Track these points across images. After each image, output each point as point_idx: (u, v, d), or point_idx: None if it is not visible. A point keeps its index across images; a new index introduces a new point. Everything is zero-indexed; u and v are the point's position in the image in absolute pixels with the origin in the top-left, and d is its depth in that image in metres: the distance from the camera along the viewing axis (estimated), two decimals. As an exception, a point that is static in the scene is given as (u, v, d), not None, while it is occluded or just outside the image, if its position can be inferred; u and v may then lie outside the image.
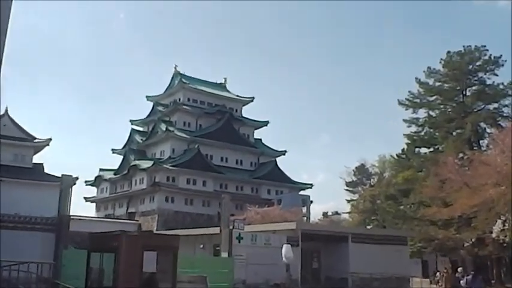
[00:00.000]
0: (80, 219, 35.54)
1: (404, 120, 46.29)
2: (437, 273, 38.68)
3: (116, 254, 11.16)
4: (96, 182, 65.35)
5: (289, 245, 22.53)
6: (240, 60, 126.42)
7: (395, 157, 51.10)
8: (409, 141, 46.96)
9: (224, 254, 21.70)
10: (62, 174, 20.07)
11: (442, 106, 45.37)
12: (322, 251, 29.33)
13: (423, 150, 47.38)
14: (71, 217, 22.76)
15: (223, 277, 20.04)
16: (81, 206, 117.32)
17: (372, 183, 66.03)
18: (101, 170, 65.58)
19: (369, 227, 56.62)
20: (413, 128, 46.58)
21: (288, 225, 27.22)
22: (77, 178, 40.44)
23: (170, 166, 56.06)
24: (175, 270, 11.89)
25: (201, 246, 29.30)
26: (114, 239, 11.44)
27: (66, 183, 18.48)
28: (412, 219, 42.37)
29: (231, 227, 22.66)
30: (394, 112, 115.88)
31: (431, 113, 45.78)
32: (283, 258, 22.32)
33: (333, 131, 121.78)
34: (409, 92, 45.95)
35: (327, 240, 29.12)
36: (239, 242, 22.39)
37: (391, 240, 31.02)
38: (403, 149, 48.59)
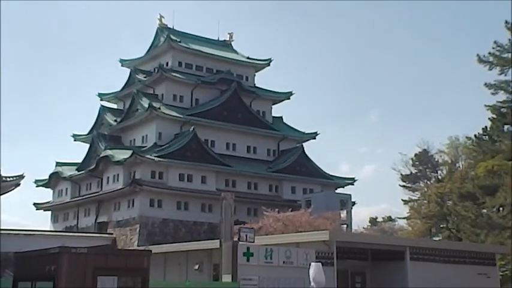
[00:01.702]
0: (16, 234, 35.17)
1: (487, 85, 45.15)
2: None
3: (54, 282, 10.44)
4: (52, 181, 65.46)
5: (320, 264, 21.82)
6: (251, 8, 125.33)
7: (474, 139, 50.15)
8: (495, 116, 45.93)
9: (226, 278, 21.07)
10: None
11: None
12: (368, 273, 28.81)
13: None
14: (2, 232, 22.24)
15: (226, 311, 19.45)
16: (33, 216, 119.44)
17: (440, 177, 65.29)
18: (58, 164, 65.55)
19: (436, 239, 56.07)
20: (501, 96, 45.56)
21: (318, 236, 26.78)
22: (21, 177, 40.50)
23: (155, 157, 55.82)
24: (146, 303, 11.16)
25: (196, 266, 29.00)
26: (50, 260, 10.74)
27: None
28: (501, 227, 41.71)
29: (235, 239, 21.95)
30: (471, 76, 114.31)
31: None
32: (311, 283, 21.66)
33: (384, 106, 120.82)
34: (495, 43, 44.75)
35: (375, 257, 28.62)
36: (247, 260, 21.68)
37: (470, 258, 30.58)
38: (485, 127, 47.67)
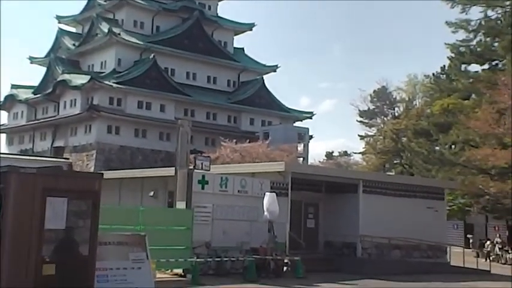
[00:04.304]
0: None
1: (448, 24, 44.90)
2: (488, 242, 39.13)
3: (1, 202, 10.21)
4: (7, 103, 64.28)
5: (274, 194, 22.10)
6: None
7: (432, 77, 50.54)
8: (454, 55, 46.16)
9: (181, 205, 21.12)
10: None
11: (508, 2, 43.91)
12: (321, 204, 29.14)
13: (474, 67, 46.80)
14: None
15: (178, 237, 19.66)
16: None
17: (397, 114, 66.06)
18: (13, 86, 64.32)
19: (390, 174, 57.02)
20: (461, 35, 45.52)
21: (273, 166, 26.75)
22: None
23: (114, 83, 54.95)
24: (96, 227, 11.09)
25: (151, 193, 28.94)
26: (-2, 179, 10.43)
27: None
28: (452, 164, 42.38)
29: (190, 167, 21.89)
30: (433, 14, 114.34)
31: (489, 12, 44.37)
32: (265, 213, 21.96)
33: (347, 42, 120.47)
34: (459, -21, 44.26)
35: (329, 189, 28.88)
36: (202, 188, 21.82)
37: (420, 192, 30.97)
38: (444, 66, 48.03)
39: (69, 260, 10.71)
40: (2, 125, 65.34)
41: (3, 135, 66.13)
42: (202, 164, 22.49)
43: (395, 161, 64.33)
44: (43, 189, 10.41)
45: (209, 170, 22.86)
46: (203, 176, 21.94)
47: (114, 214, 18.50)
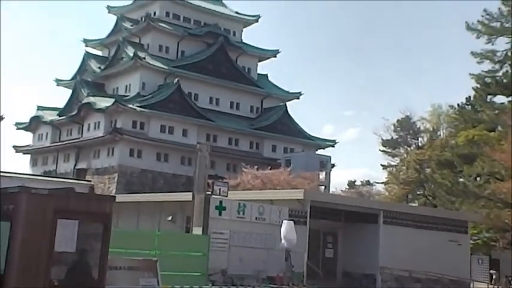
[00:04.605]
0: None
1: (474, 54, 44.62)
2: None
3: (11, 223, 10.04)
4: (32, 125, 64.78)
5: (292, 222, 21.79)
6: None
7: (457, 108, 49.97)
8: (479, 85, 45.59)
9: (197, 231, 20.91)
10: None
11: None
12: (340, 234, 28.83)
13: (500, 98, 46.17)
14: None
15: (194, 264, 19.52)
16: (12, 158, 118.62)
17: (420, 144, 65.33)
18: (39, 108, 64.90)
19: (412, 205, 56.30)
20: (487, 65, 45.00)
21: (292, 194, 26.63)
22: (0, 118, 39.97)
23: (138, 107, 55.24)
24: (107, 251, 10.83)
25: (169, 218, 28.78)
26: (9, 199, 10.33)
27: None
28: (476, 196, 41.72)
29: (208, 192, 21.69)
30: (459, 44, 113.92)
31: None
32: (282, 241, 21.60)
33: (371, 70, 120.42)
34: (485, 11, 43.98)
35: (349, 218, 28.54)
36: (219, 214, 21.59)
37: (443, 224, 30.64)
38: (469, 96, 47.41)
39: (79, 284, 10.46)
40: (27, 146, 65.89)
41: (28, 156, 66.63)
42: (220, 189, 22.30)
43: (418, 192, 63.52)
44: (54, 210, 10.20)
45: (227, 196, 22.65)
46: (221, 202, 21.73)
47: (129, 238, 18.45)
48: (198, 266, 19.39)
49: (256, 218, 22.82)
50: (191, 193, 22.49)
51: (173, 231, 27.34)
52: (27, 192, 10.21)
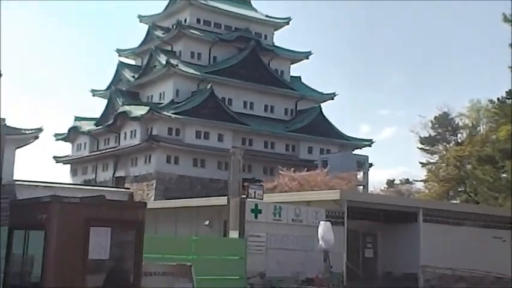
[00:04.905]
0: (35, 185, 35.03)
1: (512, 46, 43.67)
2: None
3: (45, 232, 10.09)
4: (71, 135, 65.62)
5: (329, 223, 21.57)
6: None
7: (496, 102, 49.07)
8: (519, 78, 44.65)
9: (233, 234, 20.84)
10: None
11: None
12: (379, 234, 28.44)
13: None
14: (16, 182, 22.16)
15: (232, 267, 19.43)
16: (53, 168, 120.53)
17: (460, 140, 64.29)
18: (76, 118, 65.67)
19: (454, 202, 55.51)
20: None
21: (328, 194, 26.41)
22: (39, 130, 40.59)
23: (173, 114, 55.56)
24: (140, 257, 10.80)
25: (207, 222, 28.79)
26: (42, 209, 10.38)
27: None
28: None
29: (243, 196, 21.64)
30: (496, 37, 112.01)
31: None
32: (320, 242, 21.39)
33: (407, 67, 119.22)
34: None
35: (388, 218, 28.20)
36: (255, 216, 21.56)
37: (485, 221, 29.93)
38: (509, 90, 46.48)
39: (114, 291, 10.45)
40: (66, 156, 66.82)
41: (68, 166, 67.57)
42: (255, 192, 22.21)
43: (459, 189, 62.51)
44: (86, 218, 10.22)
45: (262, 199, 22.56)
46: (256, 205, 21.68)
47: (166, 244, 18.46)
48: (236, 269, 19.30)
49: (292, 220, 22.73)
50: (226, 197, 22.42)
51: (211, 235, 27.33)
52: (59, 202, 10.26)
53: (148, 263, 11.80)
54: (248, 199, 21.87)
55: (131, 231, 10.78)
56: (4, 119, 18.64)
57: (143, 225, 11.02)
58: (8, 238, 11.29)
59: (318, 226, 21.87)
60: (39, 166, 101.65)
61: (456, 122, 66.02)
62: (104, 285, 10.35)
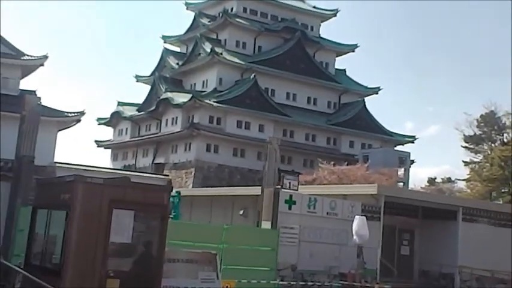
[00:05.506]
0: (76, 168, 35.02)
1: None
2: None
3: (67, 212, 9.88)
4: (113, 120, 66.28)
5: (364, 218, 21.07)
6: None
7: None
8: None
9: (266, 225, 20.50)
10: (26, 95, 19.05)
11: None
12: (417, 231, 27.82)
13: None
14: (57, 164, 22.15)
15: (263, 258, 19.10)
16: (94, 152, 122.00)
17: (506, 140, 62.71)
18: (119, 104, 66.25)
19: (497, 203, 54.18)
20: None
21: (365, 189, 25.94)
22: (82, 113, 40.87)
23: (215, 102, 55.49)
24: (163, 242, 10.53)
25: (241, 212, 28.52)
26: (65, 189, 10.20)
27: (33, 110, 17.30)
28: None
29: (278, 186, 21.25)
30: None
31: None
32: (354, 236, 20.89)
33: (454, 64, 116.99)
34: None
35: (426, 215, 27.61)
36: (289, 208, 21.19)
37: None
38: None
39: (134, 276, 10.21)
40: (108, 141, 67.40)
41: (109, 151, 68.19)
42: (290, 183, 21.82)
43: (503, 190, 61.01)
44: (110, 200, 9.99)
45: (297, 190, 22.17)
46: (290, 196, 21.30)
47: (197, 231, 18.24)
48: (267, 260, 18.97)
49: (327, 213, 22.32)
50: (260, 187, 22.08)
51: (245, 225, 27.04)
52: (83, 182, 10.05)
53: (173, 249, 11.54)
54: (283, 189, 21.49)
55: (155, 214, 10.52)
56: (39, 98, 18.57)
57: (168, 209, 10.81)
58: (32, 217, 11.15)
59: (353, 220, 21.40)
60: (81, 149, 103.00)
61: (503, 121, 64.38)
62: (121, 268, 10.11)
